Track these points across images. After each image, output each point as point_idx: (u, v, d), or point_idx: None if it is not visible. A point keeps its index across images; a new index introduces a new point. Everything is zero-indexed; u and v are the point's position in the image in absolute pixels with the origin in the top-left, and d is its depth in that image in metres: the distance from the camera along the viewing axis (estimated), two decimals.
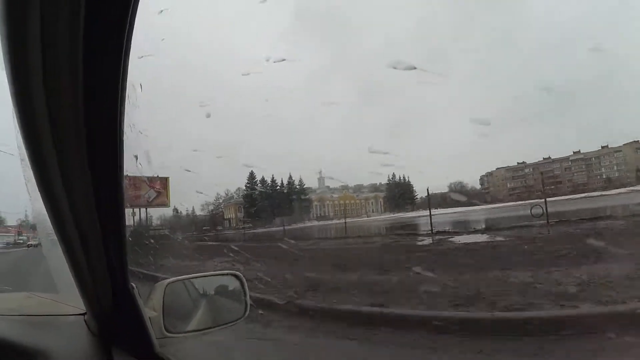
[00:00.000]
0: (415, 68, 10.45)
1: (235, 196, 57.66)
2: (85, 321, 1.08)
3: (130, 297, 1.05)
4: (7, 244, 37.00)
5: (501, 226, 14.89)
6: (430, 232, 14.56)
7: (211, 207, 55.74)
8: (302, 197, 55.32)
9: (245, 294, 1.32)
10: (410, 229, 20.38)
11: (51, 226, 0.90)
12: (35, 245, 30.51)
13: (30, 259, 14.35)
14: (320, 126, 79.40)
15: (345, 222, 24.92)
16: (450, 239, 11.61)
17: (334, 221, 44.43)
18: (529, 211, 15.44)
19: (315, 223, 44.06)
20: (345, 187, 58.74)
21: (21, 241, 37.76)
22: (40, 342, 0.93)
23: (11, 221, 48.75)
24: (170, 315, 1.14)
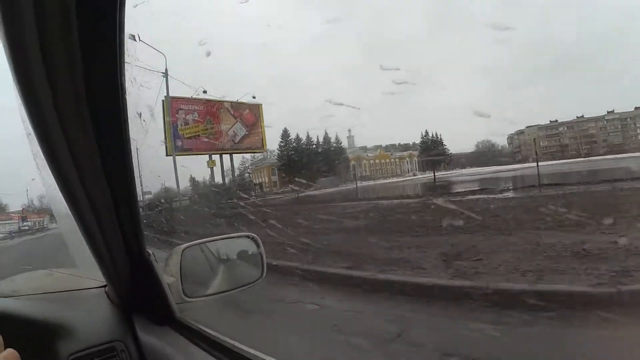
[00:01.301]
0: None
1: (262, 158, 50.81)
2: (106, 293, 1.11)
3: (147, 264, 1.06)
4: (10, 232, 30.79)
5: None
6: None
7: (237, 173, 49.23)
8: (342, 156, 51.49)
9: (261, 255, 1.29)
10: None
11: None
12: None
13: None
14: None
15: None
16: None
17: (386, 181, 40.78)
18: None
19: (364, 184, 37.09)
20: (363, 148, 55.98)
21: (26, 227, 33.14)
22: (62, 318, 0.96)
23: (15, 206, 39.95)
24: (189, 280, 1.14)
